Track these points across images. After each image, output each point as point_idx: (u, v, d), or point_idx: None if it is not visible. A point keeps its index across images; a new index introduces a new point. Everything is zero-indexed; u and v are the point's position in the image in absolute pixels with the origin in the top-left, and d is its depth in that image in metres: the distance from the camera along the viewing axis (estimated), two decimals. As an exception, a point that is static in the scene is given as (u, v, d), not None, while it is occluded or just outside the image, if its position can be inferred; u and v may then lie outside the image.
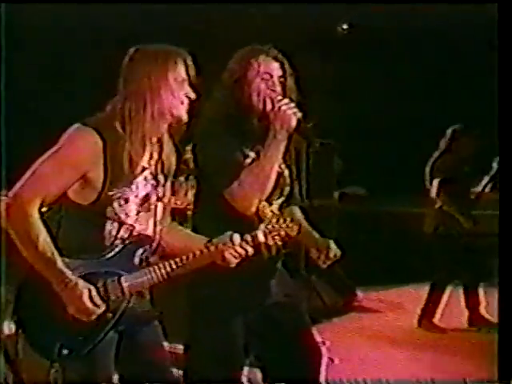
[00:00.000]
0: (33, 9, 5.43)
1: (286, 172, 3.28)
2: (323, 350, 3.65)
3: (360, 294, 7.22)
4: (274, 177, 3.15)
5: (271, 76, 3.18)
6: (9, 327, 4.93)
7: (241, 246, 2.92)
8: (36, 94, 6.94)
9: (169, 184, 2.98)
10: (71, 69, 6.82)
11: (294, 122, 3.10)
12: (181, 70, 2.84)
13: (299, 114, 3.12)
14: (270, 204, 3.19)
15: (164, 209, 2.97)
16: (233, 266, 2.93)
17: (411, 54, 7.94)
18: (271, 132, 3.12)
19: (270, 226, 2.96)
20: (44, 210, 2.81)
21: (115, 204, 2.81)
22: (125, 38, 3.37)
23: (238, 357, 3.24)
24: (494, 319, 5.96)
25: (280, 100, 3.14)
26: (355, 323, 6.52)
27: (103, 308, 2.77)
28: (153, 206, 2.92)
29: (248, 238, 2.93)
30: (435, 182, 6.02)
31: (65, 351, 2.78)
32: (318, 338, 4.77)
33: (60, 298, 2.74)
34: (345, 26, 6.75)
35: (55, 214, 2.85)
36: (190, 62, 2.88)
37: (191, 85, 2.87)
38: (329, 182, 7.87)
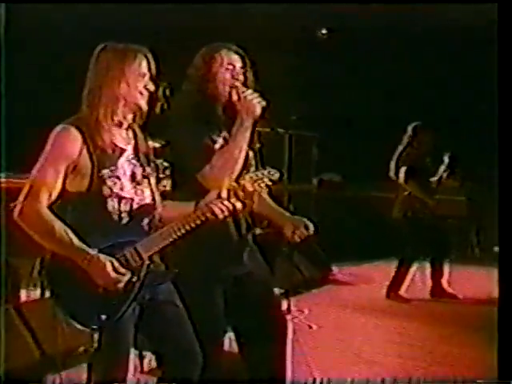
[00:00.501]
0: (33, 9, 5.31)
1: (251, 154, 3.37)
2: (294, 318, 3.90)
3: (335, 268, 7.48)
4: (242, 160, 3.23)
5: (234, 66, 3.29)
6: (29, 293, 5.06)
7: (228, 200, 3.01)
8: (36, 93, 6.81)
9: (153, 165, 3.10)
10: (71, 69, 6.49)
11: (259, 110, 3.21)
12: (140, 64, 2.98)
13: (263, 103, 3.23)
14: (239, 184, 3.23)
15: (156, 185, 3.10)
16: (220, 218, 3.04)
17: (395, 54, 7.88)
18: (238, 119, 3.22)
19: (253, 175, 3.06)
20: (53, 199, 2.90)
21: (109, 182, 2.95)
22: (125, 38, 3.36)
23: (220, 323, 3.34)
24: (454, 291, 6.59)
25: (244, 91, 3.25)
26: (331, 294, 6.82)
27: (128, 276, 2.90)
28: (145, 182, 3.04)
29: (236, 186, 3.03)
30: (402, 170, 6.37)
31: (103, 317, 2.88)
32: (292, 308, 5.11)
33: (87, 273, 2.86)
34: (324, 31, 6.81)
35: (62, 211, 2.95)
36: (151, 59, 3.01)
37: (153, 79, 3.00)
38: (309, 170, 8.12)
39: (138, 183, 3.04)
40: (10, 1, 4.06)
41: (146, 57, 3.01)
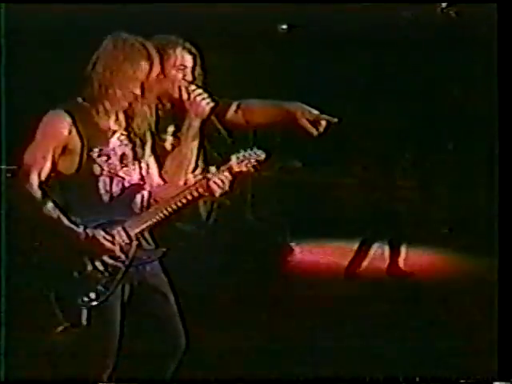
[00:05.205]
0: (33, 9, 5.06)
1: (195, 151, 3.54)
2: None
3: (297, 248, 7.36)
4: (193, 159, 3.37)
5: (185, 67, 3.42)
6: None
7: (218, 176, 3.11)
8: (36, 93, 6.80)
9: (148, 146, 3.23)
10: (71, 68, 6.46)
11: (207, 111, 3.33)
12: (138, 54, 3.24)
13: (212, 104, 3.38)
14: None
15: (154, 164, 3.26)
16: (216, 195, 3.18)
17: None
18: (187, 120, 3.35)
19: (240, 156, 3.16)
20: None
21: (99, 160, 3.12)
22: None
23: None
24: (408, 270, 6.80)
25: (194, 90, 3.38)
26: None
27: (119, 245, 3.02)
28: (136, 163, 3.20)
29: (223, 167, 3.18)
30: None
31: (92, 295, 3.03)
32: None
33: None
34: (284, 26, 6.43)
35: (54, 192, 3.14)
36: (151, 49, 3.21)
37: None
38: (271, 156, 8.47)
39: (128, 164, 3.18)
40: (10, 1, 4.12)
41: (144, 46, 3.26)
